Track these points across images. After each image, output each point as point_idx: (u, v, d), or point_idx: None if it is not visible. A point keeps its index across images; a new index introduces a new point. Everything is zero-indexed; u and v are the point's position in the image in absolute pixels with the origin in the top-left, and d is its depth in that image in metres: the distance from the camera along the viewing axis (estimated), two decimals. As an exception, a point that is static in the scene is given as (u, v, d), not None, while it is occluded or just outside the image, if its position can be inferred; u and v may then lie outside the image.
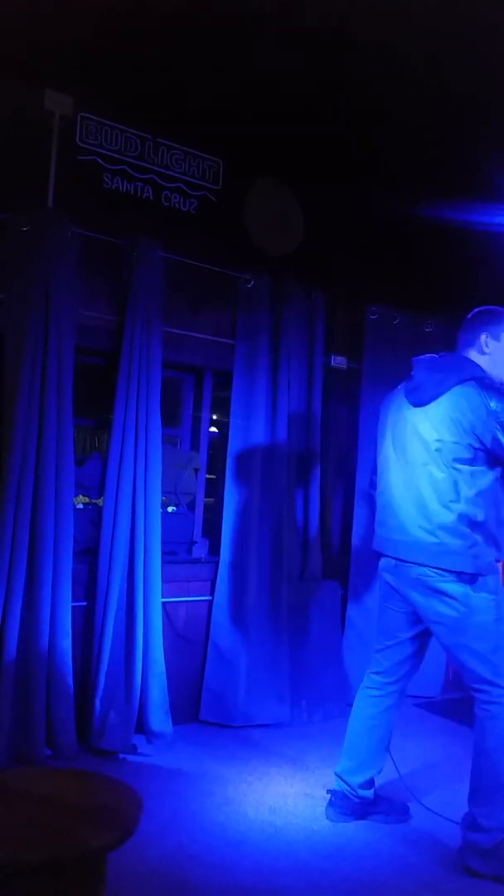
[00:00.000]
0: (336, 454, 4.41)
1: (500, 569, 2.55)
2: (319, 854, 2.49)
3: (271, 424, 3.90)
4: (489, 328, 2.57)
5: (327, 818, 2.73)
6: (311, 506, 4.07)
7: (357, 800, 2.72)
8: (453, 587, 2.43)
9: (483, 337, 2.57)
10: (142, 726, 3.36)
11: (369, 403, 4.32)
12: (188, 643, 3.71)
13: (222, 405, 3.99)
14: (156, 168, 3.67)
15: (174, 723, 3.45)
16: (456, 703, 4.31)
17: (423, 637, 2.66)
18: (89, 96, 3.42)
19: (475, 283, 4.56)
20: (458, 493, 2.43)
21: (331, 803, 2.75)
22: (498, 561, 2.50)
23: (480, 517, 2.44)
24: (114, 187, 3.56)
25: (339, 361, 4.33)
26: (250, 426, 3.84)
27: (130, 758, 3.21)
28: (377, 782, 2.79)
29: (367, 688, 2.73)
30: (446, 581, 2.44)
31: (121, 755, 3.21)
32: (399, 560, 2.55)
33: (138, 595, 3.35)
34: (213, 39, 2.94)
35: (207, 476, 4.04)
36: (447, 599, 2.44)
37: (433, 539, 2.45)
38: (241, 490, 3.80)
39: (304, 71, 3.11)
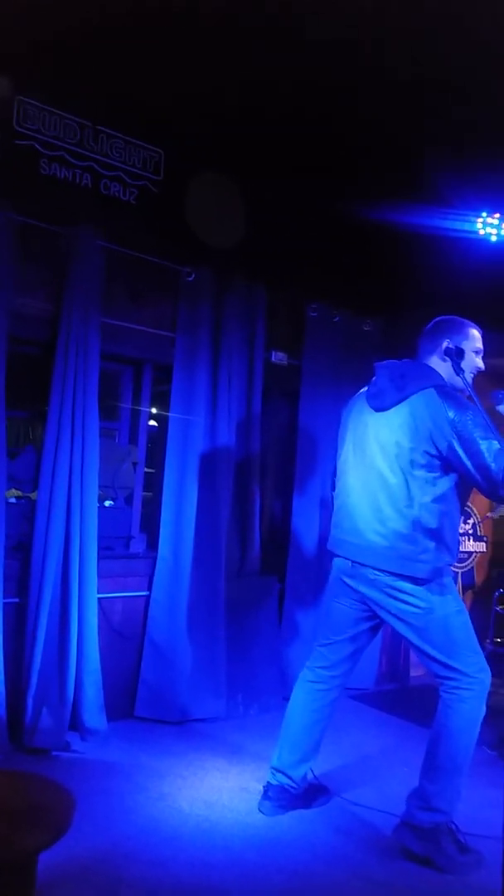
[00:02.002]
0: (276, 450, 4.44)
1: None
2: (254, 847, 2.50)
3: (212, 419, 3.89)
4: (451, 336, 2.63)
5: (262, 812, 2.74)
6: (251, 501, 4.08)
7: (295, 792, 2.75)
8: (410, 587, 2.50)
9: (445, 344, 2.61)
10: (76, 724, 3.31)
11: (309, 399, 4.36)
12: (124, 639, 3.66)
13: (162, 399, 3.96)
14: (95, 156, 3.60)
15: (109, 719, 3.40)
16: (389, 695, 4.40)
17: (368, 634, 2.73)
18: (28, 80, 3.32)
19: (414, 286, 4.65)
20: (412, 499, 2.48)
21: (266, 796, 2.76)
22: (449, 565, 2.56)
23: (434, 524, 2.49)
24: (51, 173, 3.47)
25: (279, 357, 4.35)
26: (190, 421, 3.81)
27: (64, 756, 3.15)
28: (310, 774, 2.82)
29: (311, 682, 2.76)
30: (402, 581, 2.50)
31: (54, 753, 3.15)
32: (354, 562, 2.60)
33: (73, 591, 3.29)
34: (157, 30, 2.90)
35: (146, 470, 4.00)
36: (407, 597, 2.50)
37: (385, 543, 2.50)
38: (181, 485, 3.77)
39: (248, 65, 3.10)
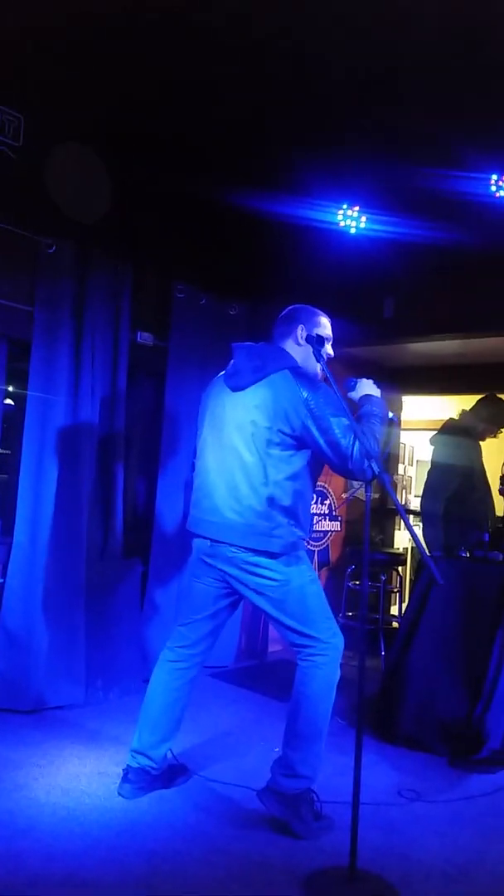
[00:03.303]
0: (141, 431, 4.38)
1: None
2: (113, 831, 2.49)
3: (73, 399, 3.77)
4: (304, 322, 2.73)
5: (121, 795, 2.73)
6: (115, 483, 4.01)
7: (155, 773, 2.77)
8: (266, 561, 2.58)
9: (299, 330, 2.72)
10: None
11: (175, 381, 4.33)
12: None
13: (20, 377, 3.78)
14: None
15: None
16: (248, 671, 4.51)
17: (227, 610, 2.80)
18: None
19: (279, 273, 4.74)
20: (267, 476, 2.55)
21: (125, 779, 2.76)
22: (303, 539, 2.66)
23: (288, 501, 2.58)
24: None
25: (145, 338, 4.29)
26: (51, 400, 3.68)
27: None
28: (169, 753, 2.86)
29: (171, 661, 2.78)
30: (259, 557, 2.57)
31: None
32: (213, 540, 2.64)
33: None
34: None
35: (1, 451, 3.82)
36: (262, 572, 2.58)
37: (242, 520, 2.57)
38: (39, 467, 3.64)
39: (118, 36, 3.00)
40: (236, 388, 2.65)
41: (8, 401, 3.90)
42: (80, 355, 3.80)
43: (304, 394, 2.51)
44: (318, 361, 2.66)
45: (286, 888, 2.21)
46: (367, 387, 2.71)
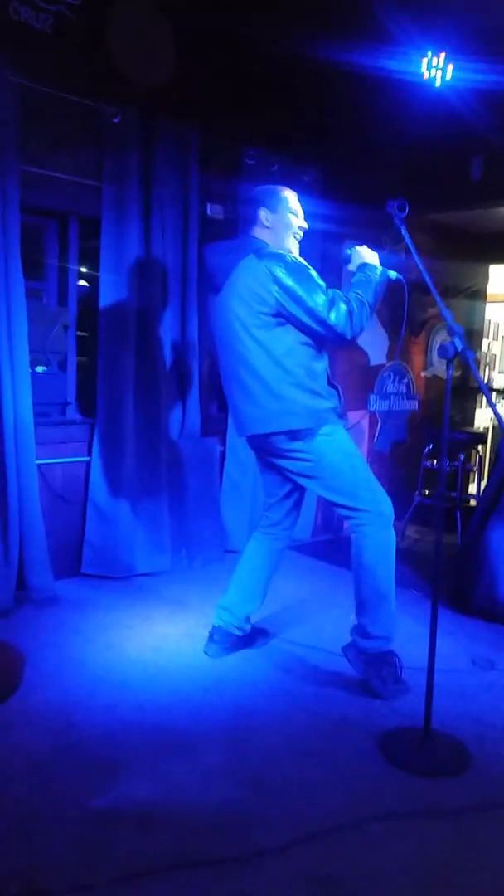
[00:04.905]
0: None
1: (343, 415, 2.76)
2: (200, 687, 2.68)
3: (146, 278, 3.72)
4: (266, 203, 2.69)
5: (207, 654, 2.92)
6: (188, 365, 4.02)
7: (238, 633, 2.94)
8: (295, 444, 2.64)
9: (262, 212, 2.68)
10: (23, 583, 3.38)
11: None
12: (67, 503, 3.69)
13: (91, 256, 3.75)
14: (0, -29, 3.15)
15: (56, 578, 3.49)
16: (323, 545, 4.63)
17: (297, 490, 2.89)
18: None
19: (355, 135, 4.41)
20: (265, 360, 2.59)
21: (211, 640, 2.94)
22: (330, 412, 2.65)
23: (294, 377, 2.59)
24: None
25: (215, 210, 4.14)
26: (122, 280, 3.65)
27: (13, 614, 3.24)
28: (253, 619, 3.00)
29: (262, 534, 2.96)
30: (285, 439, 2.64)
31: (1, 612, 3.23)
32: (248, 437, 2.77)
33: (10, 458, 3.25)
34: None
35: (79, 334, 3.86)
36: (295, 454, 2.66)
37: (258, 410, 2.64)
38: (116, 348, 3.67)
39: None
40: (217, 290, 2.70)
41: (82, 282, 3.88)
42: (150, 232, 3.71)
43: (270, 270, 2.52)
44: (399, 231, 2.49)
45: (363, 743, 2.34)
46: (361, 255, 2.71)
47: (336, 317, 2.50)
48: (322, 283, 2.54)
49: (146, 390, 3.77)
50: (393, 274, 2.71)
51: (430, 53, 3.92)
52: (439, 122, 4.19)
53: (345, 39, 3.57)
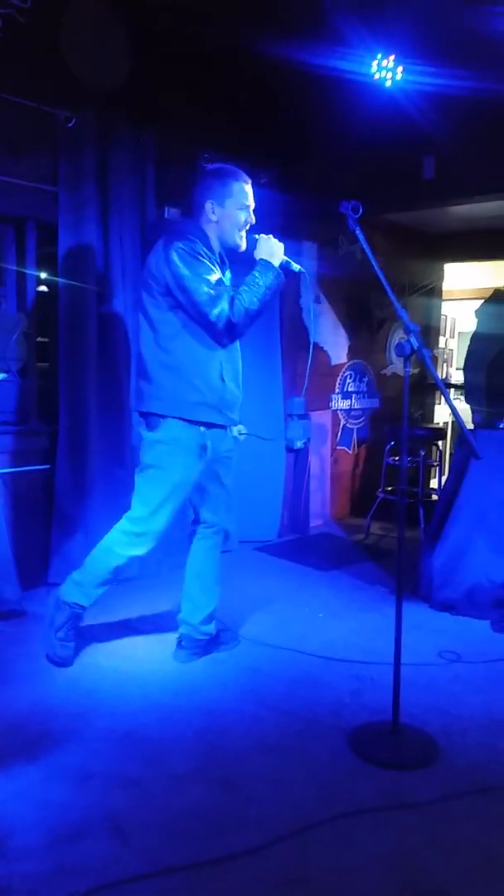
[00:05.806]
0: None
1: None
2: (170, 691, 2.68)
3: (105, 281, 3.71)
4: (213, 196, 2.62)
5: (176, 660, 2.93)
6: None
7: (204, 637, 2.95)
8: (144, 432, 2.71)
9: (208, 205, 2.62)
10: (-13, 595, 3.34)
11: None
12: (32, 513, 3.65)
13: (50, 261, 3.71)
14: None
15: (24, 588, 3.46)
16: (290, 545, 4.66)
17: (210, 485, 2.89)
18: None
19: (310, 136, 4.45)
20: (153, 339, 2.62)
21: (179, 646, 2.95)
22: (200, 406, 2.64)
23: (169, 361, 2.60)
24: None
25: (173, 214, 4.13)
26: (81, 284, 3.62)
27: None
28: (218, 617, 3.03)
29: (194, 535, 3.00)
30: (143, 423, 2.71)
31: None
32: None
33: (-29, 466, 3.21)
34: None
35: (39, 340, 3.82)
36: (142, 433, 2.74)
37: (139, 386, 2.70)
38: (77, 354, 3.64)
39: None
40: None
41: (42, 287, 3.85)
42: (108, 235, 3.69)
43: (167, 253, 2.51)
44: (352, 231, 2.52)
45: (333, 740, 2.37)
46: (262, 247, 2.63)
47: (216, 316, 2.50)
48: (212, 276, 2.51)
49: (109, 395, 3.75)
50: (296, 266, 2.67)
51: (380, 55, 3.98)
52: (392, 123, 4.26)
53: (299, 41, 3.60)
